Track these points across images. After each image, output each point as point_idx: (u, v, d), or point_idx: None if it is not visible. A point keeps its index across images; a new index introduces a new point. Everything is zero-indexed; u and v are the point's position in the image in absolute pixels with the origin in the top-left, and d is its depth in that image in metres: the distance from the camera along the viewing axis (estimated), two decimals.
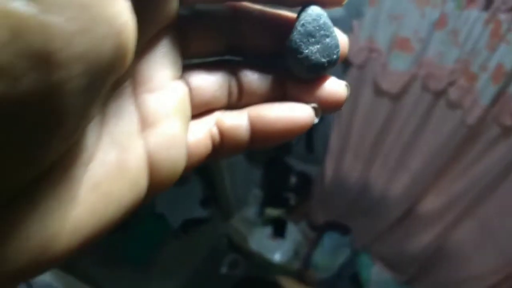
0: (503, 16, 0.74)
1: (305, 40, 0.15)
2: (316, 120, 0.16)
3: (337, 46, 0.15)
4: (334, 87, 0.16)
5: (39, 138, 0.08)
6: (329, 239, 1.42)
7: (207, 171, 1.48)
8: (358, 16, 0.89)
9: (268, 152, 1.58)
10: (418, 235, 1.10)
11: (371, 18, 0.86)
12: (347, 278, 1.33)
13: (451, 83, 0.85)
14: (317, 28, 0.15)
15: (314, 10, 0.15)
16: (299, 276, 1.43)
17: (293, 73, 0.16)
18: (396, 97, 0.94)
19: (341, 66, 1.04)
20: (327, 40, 0.15)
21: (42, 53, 0.07)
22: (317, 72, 0.16)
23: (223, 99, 0.16)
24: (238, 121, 0.16)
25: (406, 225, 1.15)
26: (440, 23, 0.80)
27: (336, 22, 0.15)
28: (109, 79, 0.10)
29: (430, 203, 1.05)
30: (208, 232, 1.74)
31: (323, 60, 0.15)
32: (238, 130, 0.16)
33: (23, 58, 0.07)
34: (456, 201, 0.97)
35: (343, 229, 1.41)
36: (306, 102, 0.16)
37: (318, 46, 0.15)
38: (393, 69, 0.88)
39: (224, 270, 1.58)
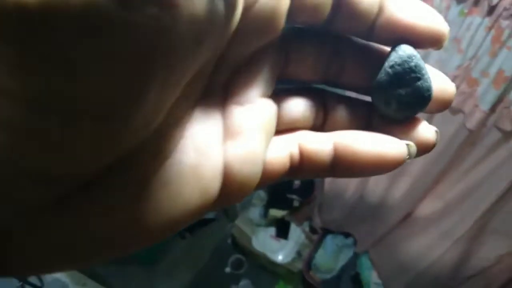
0: (504, 23, 0.75)
1: (393, 82, 0.14)
2: (408, 160, 0.14)
3: (428, 89, 0.14)
4: (424, 132, 0.15)
5: (144, 71, 0.08)
6: (332, 241, 1.43)
7: None
8: None
9: None
10: (415, 239, 1.10)
11: None
12: (348, 279, 1.34)
13: None
14: (408, 70, 0.13)
15: (405, 51, 0.13)
16: (301, 277, 1.44)
17: (379, 112, 0.15)
18: None
19: None
20: (418, 83, 0.13)
21: None
22: (404, 115, 0.15)
23: (310, 121, 0.16)
24: (321, 145, 0.14)
25: (403, 229, 1.15)
26: None
27: None
28: (206, 46, 0.10)
29: (428, 208, 1.05)
30: (213, 232, 1.75)
31: (412, 103, 0.14)
32: (320, 155, 0.14)
33: None
34: (455, 205, 0.97)
35: (345, 232, 1.42)
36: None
37: (408, 89, 0.14)
38: None
39: (228, 269, 1.60)
